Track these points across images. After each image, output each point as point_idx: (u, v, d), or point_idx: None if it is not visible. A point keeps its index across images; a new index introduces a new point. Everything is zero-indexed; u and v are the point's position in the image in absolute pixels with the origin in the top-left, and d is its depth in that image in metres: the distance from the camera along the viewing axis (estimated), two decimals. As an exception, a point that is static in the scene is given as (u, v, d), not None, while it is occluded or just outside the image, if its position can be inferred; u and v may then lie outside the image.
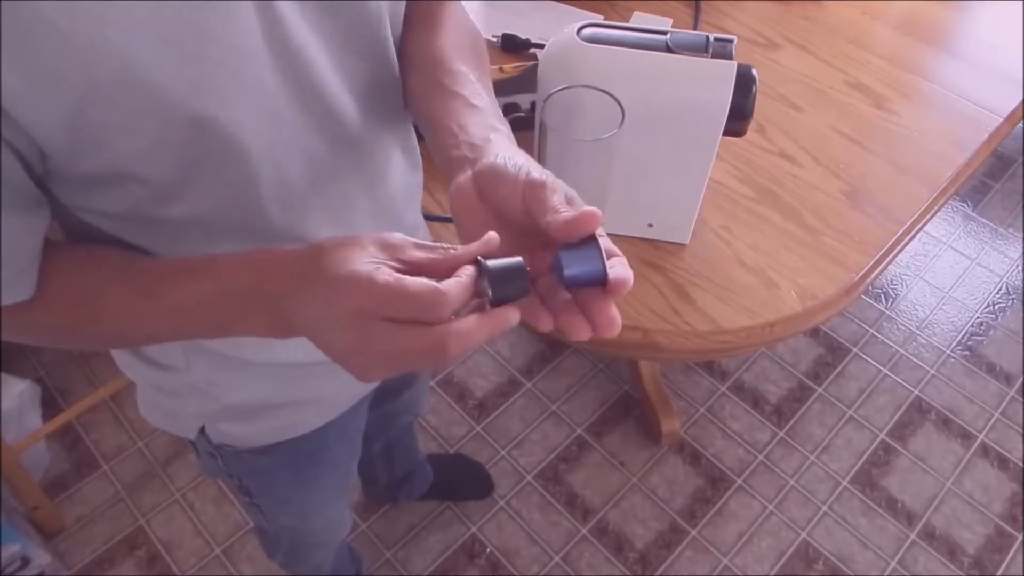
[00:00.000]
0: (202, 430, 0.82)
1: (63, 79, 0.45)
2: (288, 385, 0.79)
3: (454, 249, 0.47)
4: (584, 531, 1.74)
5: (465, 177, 0.52)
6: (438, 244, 0.48)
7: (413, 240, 0.48)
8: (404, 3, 0.65)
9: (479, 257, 0.47)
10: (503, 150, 0.52)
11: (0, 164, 0.47)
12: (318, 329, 0.48)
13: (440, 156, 0.57)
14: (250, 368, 0.75)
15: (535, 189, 0.48)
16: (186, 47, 0.47)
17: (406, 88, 0.67)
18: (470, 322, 0.45)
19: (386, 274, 0.44)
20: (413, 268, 0.47)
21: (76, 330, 0.56)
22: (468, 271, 0.46)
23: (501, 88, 1.15)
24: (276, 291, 0.49)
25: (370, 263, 0.45)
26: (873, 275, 1.02)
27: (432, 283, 0.44)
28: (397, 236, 0.48)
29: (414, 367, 0.46)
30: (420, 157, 0.80)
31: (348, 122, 0.62)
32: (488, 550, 1.71)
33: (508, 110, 1.15)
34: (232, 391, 0.77)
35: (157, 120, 0.49)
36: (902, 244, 1.05)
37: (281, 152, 0.57)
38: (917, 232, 1.08)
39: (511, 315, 0.46)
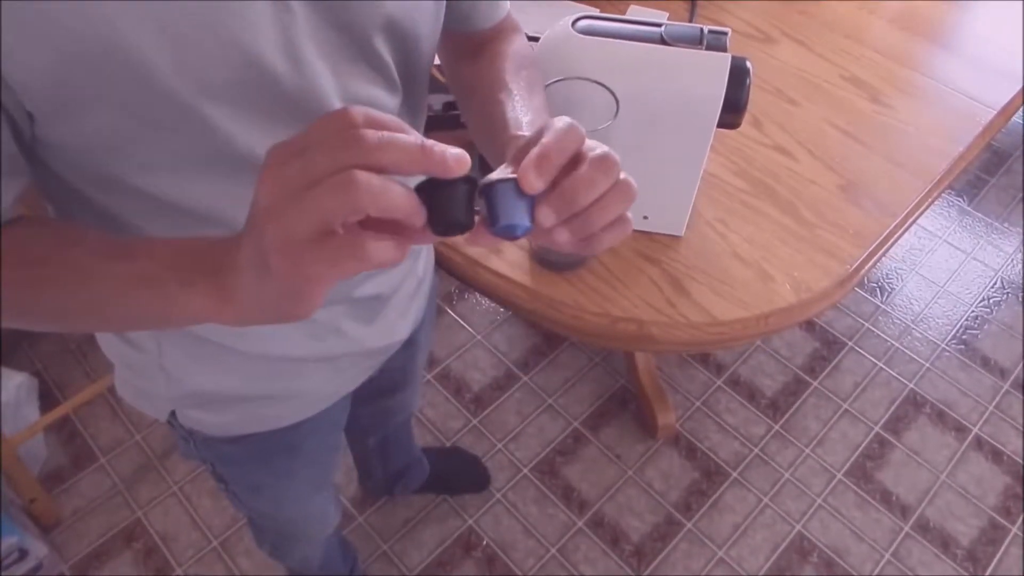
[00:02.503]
0: (173, 414, 0.82)
1: (50, 39, 0.45)
2: (261, 379, 0.79)
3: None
4: (580, 524, 1.75)
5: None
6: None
7: None
8: (439, 31, 0.67)
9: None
10: None
11: None
12: (245, 255, 0.43)
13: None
14: (224, 357, 0.74)
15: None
16: (185, 36, 0.48)
17: (466, 118, 0.70)
18: (391, 183, 0.39)
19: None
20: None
21: (14, 291, 0.52)
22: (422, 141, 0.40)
23: (497, 81, 1.15)
24: (212, 255, 0.46)
25: None
26: (867, 267, 1.03)
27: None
28: None
29: (318, 199, 0.38)
30: None
31: None
32: (484, 543, 1.72)
33: (504, 103, 1.16)
34: (201, 378, 0.77)
35: (143, 99, 0.49)
36: (896, 236, 1.06)
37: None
38: (911, 225, 1.08)
39: (447, 151, 0.40)
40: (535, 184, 0.44)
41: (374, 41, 0.59)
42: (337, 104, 0.59)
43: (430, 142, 0.40)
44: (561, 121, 0.47)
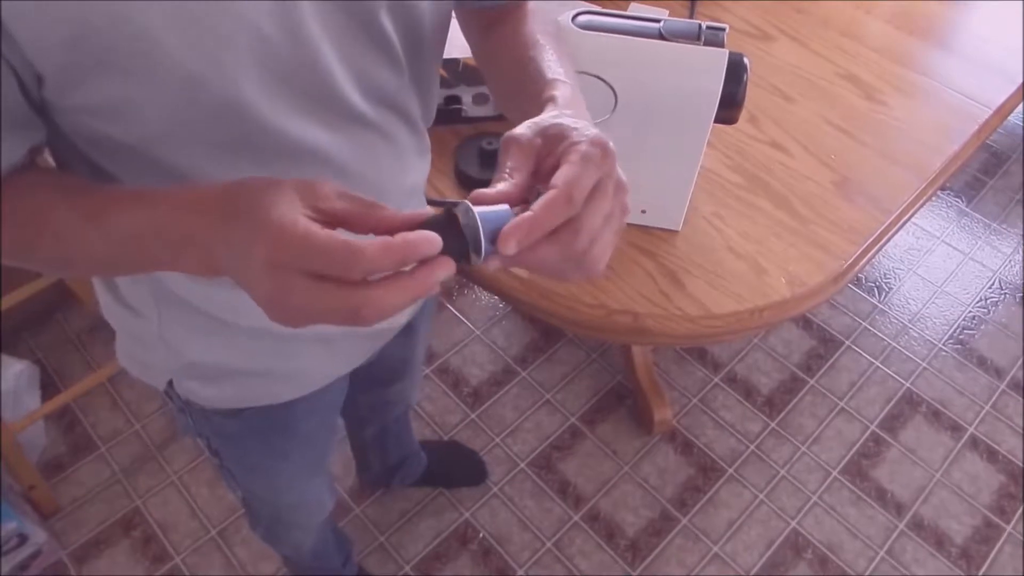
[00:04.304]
0: (170, 384, 0.83)
1: (60, 10, 0.46)
2: (257, 354, 0.79)
3: (385, 208, 0.47)
4: (576, 518, 1.76)
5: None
6: (368, 199, 0.47)
7: (340, 189, 0.47)
8: (447, 11, 0.67)
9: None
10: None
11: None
12: (239, 272, 0.47)
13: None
14: (221, 330, 0.75)
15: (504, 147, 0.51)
16: (192, 11, 0.49)
17: (493, 91, 0.70)
18: (385, 286, 0.43)
19: (300, 226, 0.43)
20: (332, 218, 0.46)
21: (20, 248, 0.56)
22: (407, 237, 0.43)
23: (497, 75, 1.16)
24: (202, 234, 0.49)
25: (288, 211, 0.44)
26: (861, 263, 1.04)
27: (346, 240, 0.42)
28: (323, 183, 0.47)
29: (332, 323, 0.45)
30: (429, 151, 0.81)
31: (354, 116, 0.63)
32: (481, 536, 1.73)
33: (504, 97, 1.17)
34: (198, 349, 0.78)
35: (150, 69, 0.50)
36: (890, 233, 1.07)
37: (278, 130, 0.58)
38: (905, 222, 1.09)
39: (434, 271, 0.44)
40: (510, 250, 0.46)
41: (379, 19, 0.60)
42: (344, 84, 0.60)
43: (401, 241, 0.43)
44: (567, 188, 0.47)
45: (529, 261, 0.48)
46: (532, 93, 0.59)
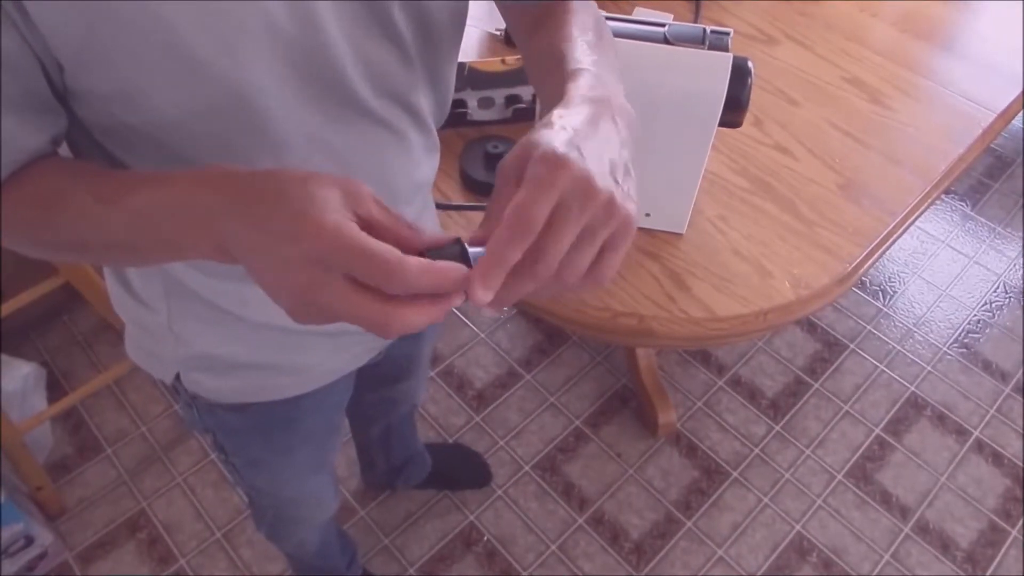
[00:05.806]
0: (178, 376, 0.83)
1: None
2: (264, 347, 0.80)
3: (410, 227, 0.48)
4: (580, 521, 1.76)
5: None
6: (395, 212, 0.48)
7: (375, 195, 0.48)
8: (465, 6, 0.67)
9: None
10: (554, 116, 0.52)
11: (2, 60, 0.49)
12: (260, 260, 0.46)
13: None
14: (230, 323, 0.76)
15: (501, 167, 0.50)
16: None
17: (534, 84, 0.68)
18: (413, 307, 0.45)
19: (354, 229, 0.44)
20: (365, 225, 0.46)
21: (36, 230, 0.56)
22: (452, 267, 0.45)
23: (504, 80, 1.16)
24: (219, 211, 0.48)
25: (339, 212, 0.45)
26: (866, 266, 1.04)
27: (397, 252, 0.43)
28: (361, 185, 0.47)
29: (351, 323, 0.46)
30: (438, 148, 0.81)
31: (362, 108, 0.63)
32: (485, 538, 1.73)
33: (510, 101, 1.17)
34: (206, 342, 0.79)
35: (163, 55, 0.51)
36: (895, 236, 1.07)
37: (288, 119, 0.59)
38: (910, 225, 1.10)
39: (452, 301, 0.46)
40: (484, 300, 0.45)
41: (392, 12, 0.60)
42: (353, 75, 0.60)
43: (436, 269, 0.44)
44: (511, 218, 0.45)
45: (509, 299, 0.47)
46: (556, 88, 0.57)
